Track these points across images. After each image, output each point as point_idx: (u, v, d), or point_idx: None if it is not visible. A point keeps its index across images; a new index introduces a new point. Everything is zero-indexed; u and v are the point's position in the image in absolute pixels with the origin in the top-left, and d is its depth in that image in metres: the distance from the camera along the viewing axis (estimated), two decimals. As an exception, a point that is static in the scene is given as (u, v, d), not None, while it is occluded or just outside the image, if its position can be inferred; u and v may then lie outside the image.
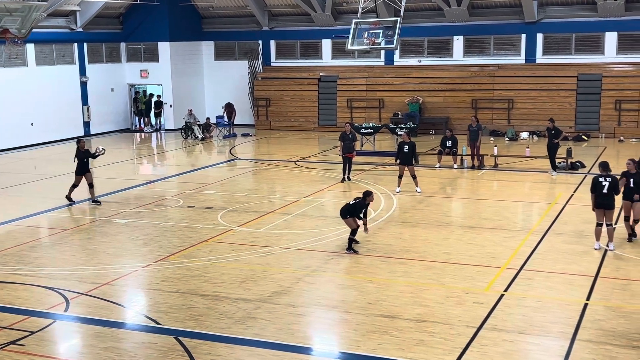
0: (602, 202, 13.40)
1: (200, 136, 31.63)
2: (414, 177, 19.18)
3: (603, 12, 29.12)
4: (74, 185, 18.52)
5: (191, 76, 35.90)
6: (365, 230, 13.82)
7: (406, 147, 19.22)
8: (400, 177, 19.29)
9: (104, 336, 9.97)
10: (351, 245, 13.63)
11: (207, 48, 36.60)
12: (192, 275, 12.52)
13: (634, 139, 28.29)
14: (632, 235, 14.03)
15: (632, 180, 13.89)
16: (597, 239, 13.58)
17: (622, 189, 13.75)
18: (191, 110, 32.50)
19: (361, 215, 13.67)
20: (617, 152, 25.57)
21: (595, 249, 13.49)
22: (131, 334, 10.20)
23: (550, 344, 9.44)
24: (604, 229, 13.54)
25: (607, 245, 13.50)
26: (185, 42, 35.37)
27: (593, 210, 13.62)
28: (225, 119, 33.34)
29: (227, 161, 25.93)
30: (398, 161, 19.41)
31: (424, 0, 31.39)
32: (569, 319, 10.16)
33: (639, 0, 28.86)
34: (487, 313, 10.42)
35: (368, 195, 13.76)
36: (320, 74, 34.24)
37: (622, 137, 28.63)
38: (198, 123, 32.22)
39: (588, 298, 11.04)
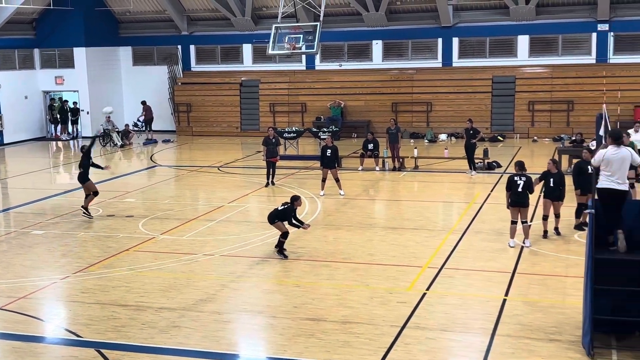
0: (516, 200, 13.81)
1: (119, 143, 30.97)
2: (337, 180, 19.34)
3: (515, 16, 30.16)
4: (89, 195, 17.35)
5: (109, 82, 35.10)
6: (306, 227, 13.77)
7: (329, 150, 19.36)
8: (323, 180, 19.41)
9: (22, 351, 9.61)
10: (282, 249, 13.55)
11: (125, 53, 35.89)
12: (113, 285, 12.23)
13: (547, 139, 29.38)
14: (547, 232, 14.53)
15: (552, 179, 14.40)
16: (512, 236, 14.02)
17: (536, 187, 14.22)
18: (109, 117, 31.79)
19: (293, 221, 13.61)
20: (532, 152, 26.51)
21: (511, 247, 13.92)
22: (51, 348, 9.88)
23: (471, 340, 9.68)
24: (519, 226, 13.99)
25: (524, 242, 13.96)
26: (101, 47, 34.56)
27: (508, 208, 14.05)
28: (141, 118, 33.09)
29: (148, 168, 25.47)
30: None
31: (343, 5, 31.77)
32: (489, 315, 10.44)
33: (549, 4, 30.06)
34: (411, 312, 10.60)
35: (296, 199, 13.76)
36: (242, 78, 34.11)
37: (535, 137, 29.70)
38: (117, 130, 31.55)
39: (507, 294, 11.38)
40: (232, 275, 12.68)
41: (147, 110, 33.23)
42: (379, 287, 11.84)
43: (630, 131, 19.72)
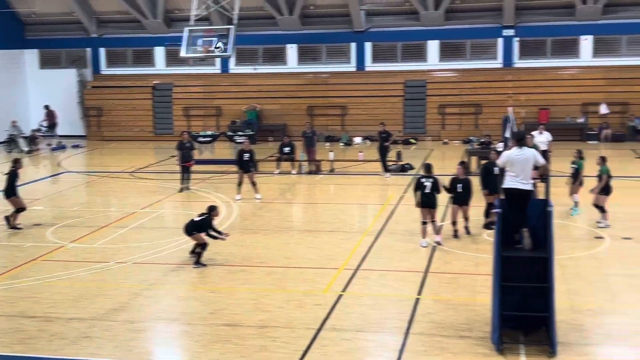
0: (425, 201, 14.17)
1: (26, 149, 29.84)
2: (254, 184, 19.26)
3: (425, 21, 30.88)
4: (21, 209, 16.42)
5: (13, 86, 33.78)
6: (225, 237, 13.57)
7: (246, 154, 19.29)
8: (239, 184, 19.29)
9: None
10: (199, 260, 13.32)
11: (31, 56, 34.67)
12: (20, 296, 11.76)
13: (457, 141, 30.19)
14: (457, 231, 14.89)
15: (460, 185, 14.75)
16: (423, 236, 14.36)
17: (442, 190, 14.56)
18: (15, 122, 30.60)
19: (212, 233, 13.40)
20: (443, 154, 27.20)
21: (423, 246, 14.22)
22: (-49, 365, 9.42)
23: (386, 339, 9.84)
24: (430, 226, 14.32)
25: (435, 238, 14.30)
26: (5, 50, 33.21)
27: (417, 207, 14.39)
28: (45, 123, 32.09)
29: (56, 175, 24.64)
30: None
31: (257, 8, 31.69)
32: (403, 314, 10.63)
33: (458, 10, 30.93)
34: (327, 314, 10.66)
35: (213, 209, 13.55)
36: (154, 82, 33.53)
37: (446, 140, 30.49)
38: (23, 135, 30.39)
39: (419, 293, 11.62)
40: (146, 282, 12.42)
41: (49, 115, 32.21)
42: (295, 290, 11.86)
43: (535, 133, 20.48)
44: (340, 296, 11.48)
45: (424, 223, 14.26)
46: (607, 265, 12.82)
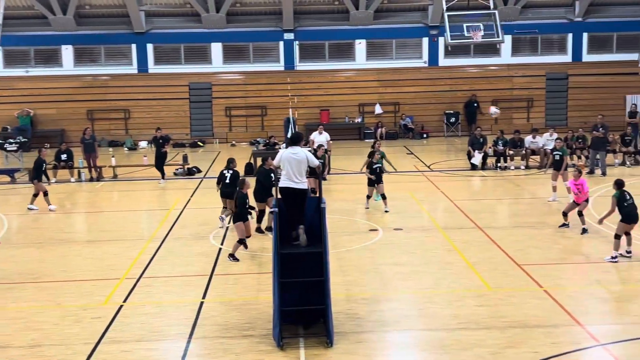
0: (223, 191, 15.02)
1: None
2: (45, 194, 18.13)
3: (207, 24, 30.79)
4: None
5: None
6: None
7: (45, 164, 18.83)
8: (46, 194, 18.26)
9: None
10: None
11: None
12: None
13: (244, 143, 30.51)
14: (249, 235, 14.93)
15: (249, 200, 14.73)
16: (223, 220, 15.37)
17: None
18: None
19: None
20: (231, 156, 27.18)
21: (221, 222, 15.37)
22: None
23: (168, 347, 9.65)
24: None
25: (222, 222, 15.08)
26: None
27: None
28: None
29: None
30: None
31: (27, 7, 29.72)
32: (187, 320, 10.49)
33: (239, 13, 31.20)
34: (106, 327, 10.23)
35: None
36: None
37: (234, 142, 30.69)
38: None
39: (204, 296, 11.54)
40: None
41: None
42: (72, 304, 11.25)
43: (315, 133, 21.32)
44: (121, 307, 11.08)
45: (225, 208, 15.17)
46: (379, 256, 13.61)
